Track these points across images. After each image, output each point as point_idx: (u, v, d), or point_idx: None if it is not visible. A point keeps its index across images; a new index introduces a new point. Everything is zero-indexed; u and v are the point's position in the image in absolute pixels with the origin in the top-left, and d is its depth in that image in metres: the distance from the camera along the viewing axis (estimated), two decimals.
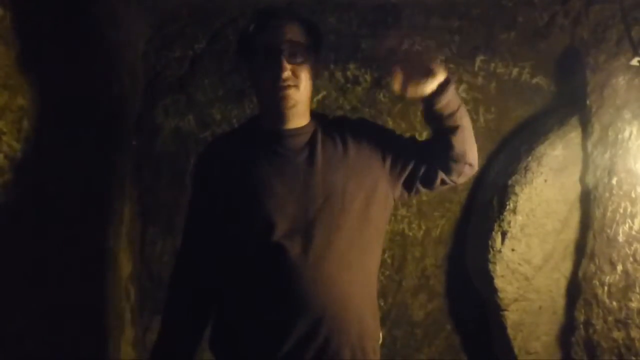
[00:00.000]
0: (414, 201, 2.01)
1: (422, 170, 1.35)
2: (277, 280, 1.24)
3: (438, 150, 1.32)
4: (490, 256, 1.87)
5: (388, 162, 1.35)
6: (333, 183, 1.29)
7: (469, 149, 1.32)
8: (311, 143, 1.32)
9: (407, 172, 1.35)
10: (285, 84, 1.24)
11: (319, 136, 1.33)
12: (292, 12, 1.30)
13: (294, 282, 1.23)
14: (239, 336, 1.30)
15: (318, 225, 1.25)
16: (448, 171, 1.34)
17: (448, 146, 1.30)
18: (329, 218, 1.27)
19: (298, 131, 1.32)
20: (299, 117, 1.32)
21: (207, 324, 1.37)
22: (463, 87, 1.97)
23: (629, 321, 1.89)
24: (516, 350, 1.95)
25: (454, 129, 1.27)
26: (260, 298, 1.27)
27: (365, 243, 1.31)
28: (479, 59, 1.97)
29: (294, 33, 1.26)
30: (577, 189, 1.94)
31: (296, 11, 1.33)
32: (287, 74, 1.23)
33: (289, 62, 1.24)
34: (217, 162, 1.33)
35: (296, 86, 1.26)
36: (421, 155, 1.36)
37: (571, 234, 1.95)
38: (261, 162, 1.29)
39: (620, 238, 1.88)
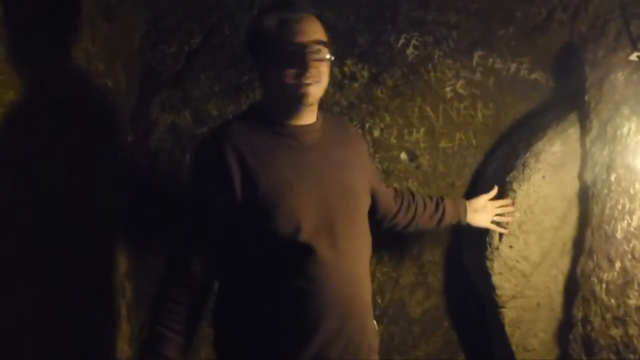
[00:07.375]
0: None
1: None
2: (305, 280, 1.22)
3: (406, 220, 1.63)
4: (487, 253, 1.86)
5: (370, 176, 1.47)
6: (346, 181, 1.31)
7: None
8: (323, 140, 1.31)
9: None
10: (308, 81, 1.22)
11: (328, 133, 1.34)
12: (307, 5, 1.27)
13: (322, 281, 1.23)
14: (260, 337, 1.26)
15: (339, 223, 1.26)
16: (388, 227, 1.63)
17: (421, 228, 1.71)
18: (347, 216, 1.29)
19: (310, 127, 1.30)
20: (312, 113, 1.31)
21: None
22: (461, 82, 1.96)
23: (627, 318, 1.88)
24: (514, 347, 1.94)
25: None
26: (287, 298, 1.24)
27: (368, 240, 1.38)
28: (477, 55, 1.96)
29: (316, 30, 1.24)
30: (575, 185, 1.93)
31: (310, 3, 1.28)
32: (312, 71, 1.22)
33: (313, 60, 1.22)
34: (233, 151, 1.23)
35: (318, 82, 1.24)
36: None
37: (569, 230, 1.94)
38: (279, 158, 1.25)
39: (619, 235, 1.87)
